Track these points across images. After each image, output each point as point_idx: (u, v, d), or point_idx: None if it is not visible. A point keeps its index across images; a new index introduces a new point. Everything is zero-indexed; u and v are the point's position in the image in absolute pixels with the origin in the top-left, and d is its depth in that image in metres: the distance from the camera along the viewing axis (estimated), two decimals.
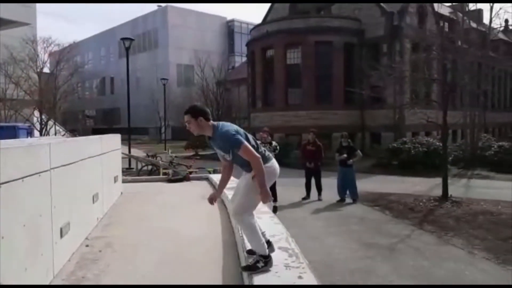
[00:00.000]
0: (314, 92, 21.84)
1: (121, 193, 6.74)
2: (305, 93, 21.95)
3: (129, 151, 16.46)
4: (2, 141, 5.02)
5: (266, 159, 3.18)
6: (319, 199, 10.59)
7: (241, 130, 3.19)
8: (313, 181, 10.78)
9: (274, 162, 3.28)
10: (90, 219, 4.67)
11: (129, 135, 19.25)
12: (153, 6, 59.42)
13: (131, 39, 19.11)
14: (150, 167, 12.95)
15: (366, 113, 22.58)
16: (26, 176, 2.75)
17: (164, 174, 10.49)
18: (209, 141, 3.27)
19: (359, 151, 10.87)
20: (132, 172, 14.70)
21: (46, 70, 21.28)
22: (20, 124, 8.03)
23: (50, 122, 20.78)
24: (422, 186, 12.92)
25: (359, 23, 22.68)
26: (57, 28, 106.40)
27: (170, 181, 8.65)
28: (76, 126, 42.25)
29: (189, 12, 49.27)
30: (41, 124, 19.26)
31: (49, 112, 20.17)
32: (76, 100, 39.84)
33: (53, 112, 20.49)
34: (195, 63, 46.96)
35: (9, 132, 7.63)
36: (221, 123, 3.18)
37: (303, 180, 10.90)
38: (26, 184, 2.75)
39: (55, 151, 3.32)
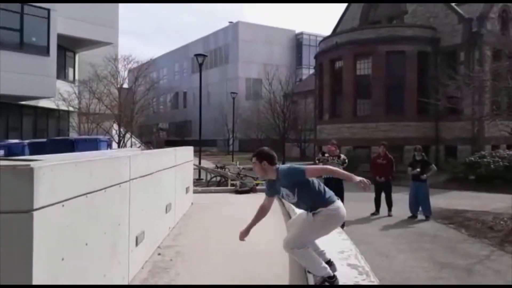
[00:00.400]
0: (384, 103, 21.20)
1: (192, 203, 6.97)
2: (374, 104, 21.38)
3: (199, 162, 17.03)
4: (87, 153, 5.43)
5: (328, 201, 3.12)
6: (389, 215, 10.21)
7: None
8: (383, 196, 10.43)
9: (338, 204, 3.16)
10: (163, 228, 4.87)
11: (200, 147, 20.00)
12: (224, 23, 61.37)
13: (204, 55, 19.91)
14: (218, 178, 13.30)
15: (441, 125, 21.43)
16: (109, 187, 2.95)
17: (232, 185, 10.70)
18: (270, 184, 3.39)
19: (433, 165, 10.35)
20: (201, 182, 15.17)
21: (125, 86, 22.82)
22: (101, 137, 8.69)
23: (127, 135, 22.12)
24: (503, 203, 11.94)
25: (434, 31, 21.72)
26: (134, 45, 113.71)
27: (237, 192, 8.80)
28: (151, 139, 44.67)
29: (259, 27, 50.32)
30: (119, 136, 20.62)
31: (127, 125, 21.51)
32: (151, 114, 42.10)
33: (130, 125, 21.83)
34: (264, 76, 47.94)
35: (92, 144, 8.29)
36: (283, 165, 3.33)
37: (372, 195, 10.57)
38: (108, 194, 2.95)
39: (134, 163, 3.53)
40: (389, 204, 10.35)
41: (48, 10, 16.87)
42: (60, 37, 17.79)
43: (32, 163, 2.09)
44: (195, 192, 7.95)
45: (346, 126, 21.72)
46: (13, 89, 15.28)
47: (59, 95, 18.30)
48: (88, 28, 20.80)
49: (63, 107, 19.31)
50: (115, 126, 21.78)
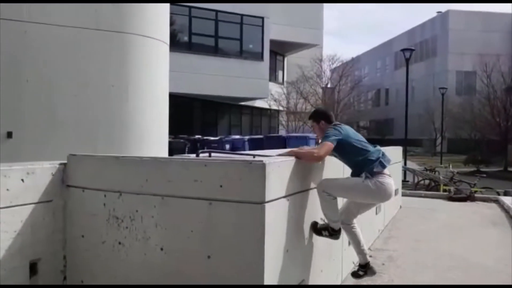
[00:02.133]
0: None
1: (400, 206, 6.62)
2: None
3: (405, 163, 16.16)
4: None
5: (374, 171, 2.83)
6: None
7: (350, 132, 3.01)
8: None
9: (388, 180, 2.89)
10: (373, 230, 4.74)
11: (405, 147, 18.96)
12: (431, 13, 56.87)
13: (411, 49, 18.84)
14: (427, 181, 12.32)
15: None
16: None
17: (444, 191, 9.76)
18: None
19: None
20: (407, 185, 14.35)
21: (330, 85, 23.41)
22: (310, 134, 9.18)
23: None
24: None
25: None
26: (337, 45, 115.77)
27: (450, 199, 7.97)
28: None
29: (473, 14, 44.83)
30: None
31: None
32: (352, 112, 42.28)
33: None
34: (479, 68, 42.43)
35: (302, 141, 8.84)
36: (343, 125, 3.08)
37: None
38: None
39: None
40: None
41: (262, 18, 18.62)
42: (271, 42, 19.44)
43: (264, 159, 2.26)
44: (403, 194, 7.54)
45: None
46: (234, 91, 17.45)
47: (271, 95, 20.04)
48: (296, 32, 22.11)
49: (274, 106, 21.08)
50: None
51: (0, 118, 6.03)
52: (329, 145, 2.81)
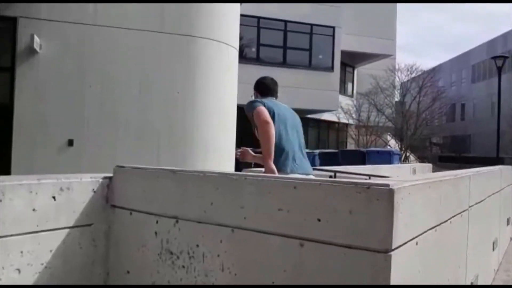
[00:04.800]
0: None
1: (511, 238, 5.46)
2: None
3: None
4: (387, 166, 4.81)
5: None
6: None
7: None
8: None
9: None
10: (488, 271, 3.74)
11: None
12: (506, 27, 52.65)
13: (505, 57, 16.99)
14: None
15: None
16: (453, 216, 2.17)
17: None
18: None
19: None
20: None
21: (407, 97, 21.84)
22: (394, 150, 8.18)
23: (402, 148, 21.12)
24: None
25: None
26: (406, 60, 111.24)
27: None
28: (424, 153, 41.92)
29: None
30: (400, 149, 19.84)
31: (405, 138, 20.52)
32: (424, 126, 39.80)
33: (407, 138, 20.71)
34: None
35: (384, 157, 7.85)
36: None
37: None
38: (453, 227, 2.17)
39: (473, 185, 2.66)
40: None
41: (333, 27, 17.81)
42: (341, 53, 18.52)
43: (390, 183, 1.47)
44: None
45: None
46: (302, 103, 16.72)
47: (341, 108, 19.04)
48: (368, 42, 21.03)
49: (343, 120, 20.02)
50: (389, 138, 21.18)
51: (62, 126, 5.74)
52: (259, 107, 2.69)
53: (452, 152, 46.50)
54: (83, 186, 2.10)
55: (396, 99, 21.21)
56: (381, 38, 21.93)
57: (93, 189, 2.15)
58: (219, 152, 6.77)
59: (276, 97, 3.33)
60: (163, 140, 6.04)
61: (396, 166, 7.29)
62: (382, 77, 20.42)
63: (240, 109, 8.02)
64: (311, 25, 17.34)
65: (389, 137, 21.98)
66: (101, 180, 2.19)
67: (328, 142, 20.36)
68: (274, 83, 3.40)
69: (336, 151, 11.48)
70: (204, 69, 6.81)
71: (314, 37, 17.53)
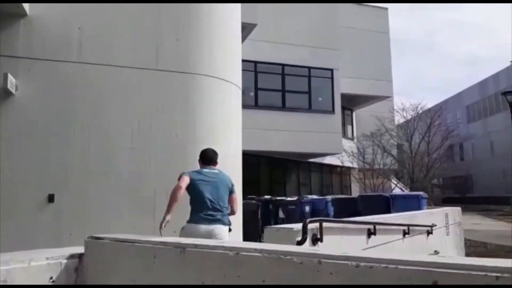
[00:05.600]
0: None
1: None
2: None
3: None
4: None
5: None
6: None
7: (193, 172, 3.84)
8: None
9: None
10: None
11: None
12: (505, 63, 53.51)
13: None
14: None
15: None
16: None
17: None
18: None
19: None
20: None
21: (418, 136, 21.18)
22: (421, 193, 7.40)
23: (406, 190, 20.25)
24: None
25: None
26: (400, 102, 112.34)
27: None
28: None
29: None
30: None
31: (416, 180, 19.68)
32: (448, 166, 39.14)
33: (421, 180, 19.80)
34: None
35: (412, 202, 7.00)
36: None
37: None
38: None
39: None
40: None
41: (331, 70, 17.46)
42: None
43: None
44: None
45: None
46: (303, 147, 16.03)
47: (344, 151, 18.35)
48: (366, 84, 20.78)
49: (347, 163, 19.26)
50: (394, 181, 20.39)
51: (42, 179, 4.87)
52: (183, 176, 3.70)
53: (456, 193, 45.56)
54: (30, 275, 1.24)
55: (399, 141, 20.57)
56: (379, 80, 21.70)
57: (51, 278, 1.29)
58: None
59: (215, 164, 4.07)
60: (161, 193, 5.14)
61: (430, 212, 6.41)
62: (386, 117, 19.91)
63: (244, 154, 7.22)
64: (309, 68, 16.97)
65: (393, 180, 21.16)
66: (64, 261, 1.33)
67: (332, 186, 19.47)
68: (213, 153, 4.13)
69: (353, 197, 10.56)
70: (206, 109, 6.07)
71: (313, 79, 17.11)
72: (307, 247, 3.38)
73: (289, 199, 9.23)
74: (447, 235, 7.21)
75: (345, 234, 4.03)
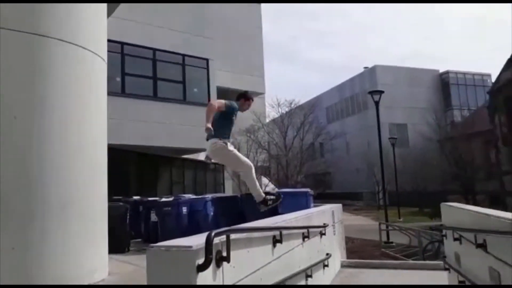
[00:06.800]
0: None
1: None
2: None
3: (386, 219, 14.27)
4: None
5: None
6: None
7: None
8: None
9: None
10: None
11: (384, 198, 17.46)
12: (359, 69, 59.32)
13: (381, 91, 17.59)
14: (437, 244, 10.22)
15: None
16: None
17: None
18: None
19: None
20: (391, 247, 12.35)
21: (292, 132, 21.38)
22: (309, 190, 6.88)
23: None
24: None
25: None
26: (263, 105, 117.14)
27: None
28: None
29: (399, 69, 47.02)
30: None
31: (291, 177, 19.85)
32: (318, 163, 41.01)
33: (296, 176, 20.02)
34: (408, 121, 43.80)
35: (300, 199, 6.34)
36: None
37: None
38: None
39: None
40: None
41: (207, 60, 16.52)
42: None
43: None
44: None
45: None
46: (178, 142, 14.81)
47: None
48: (240, 79, 20.40)
49: None
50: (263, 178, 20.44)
51: None
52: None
53: (317, 189, 48.65)
54: None
55: (274, 137, 20.61)
56: (252, 76, 21.53)
57: None
58: (86, 209, 4.44)
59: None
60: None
61: (322, 210, 5.85)
62: (261, 113, 19.71)
63: (110, 149, 5.77)
64: (183, 55, 15.75)
65: (263, 177, 21.17)
66: None
67: (206, 184, 18.52)
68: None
69: (235, 195, 9.69)
70: (57, 84, 4.54)
71: (188, 69, 15.89)
72: (210, 273, 2.33)
73: (164, 199, 7.97)
74: (334, 234, 6.78)
75: (250, 246, 3.06)
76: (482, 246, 3.37)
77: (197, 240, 2.27)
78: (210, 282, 2.30)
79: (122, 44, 14.24)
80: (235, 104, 5.07)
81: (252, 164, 4.95)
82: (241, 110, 5.31)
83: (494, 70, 50.67)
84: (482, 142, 28.03)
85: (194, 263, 2.15)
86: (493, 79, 29.75)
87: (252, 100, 5.56)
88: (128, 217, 6.69)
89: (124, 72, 14.44)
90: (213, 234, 2.22)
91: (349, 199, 41.04)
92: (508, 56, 23.27)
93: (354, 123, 49.08)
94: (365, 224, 21.45)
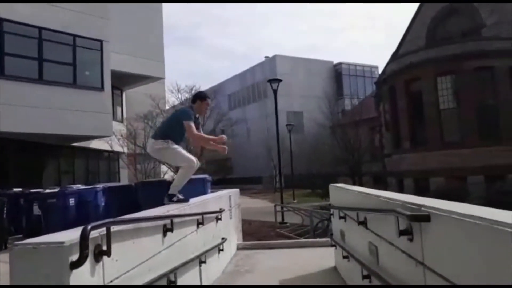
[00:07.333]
0: (476, 126, 18.38)
1: None
2: (465, 127, 18.60)
3: (282, 201, 14.76)
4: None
5: None
6: None
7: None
8: None
9: None
10: None
11: (280, 181, 18.04)
12: (260, 58, 60.65)
13: (279, 80, 17.95)
14: (326, 222, 10.84)
15: None
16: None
17: None
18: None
19: None
20: (285, 227, 12.87)
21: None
22: (207, 176, 6.75)
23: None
24: None
25: None
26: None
27: None
28: None
29: (297, 60, 49.05)
30: None
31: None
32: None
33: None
34: (304, 109, 46.08)
35: (198, 186, 6.23)
36: None
37: None
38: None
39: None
40: None
41: (101, 41, 15.46)
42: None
43: None
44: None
45: (433, 154, 18.85)
46: (67, 129, 13.69)
47: (114, 134, 16.60)
48: (139, 63, 19.51)
49: (117, 147, 17.58)
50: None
51: None
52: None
53: (219, 175, 49.02)
54: None
55: None
56: (151, 60, 20.72)
57: None
58: None
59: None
60: None
61: (219, 196, 5.85)
62: (161, 98, 19.06)
63: None
64: (74, 35, 14.53)
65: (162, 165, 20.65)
66: None
67: (99, 174, 17.49)
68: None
69: (129, 184, 9.15)
70: None
71: (79, 50, 14.70)
72: (88, 269, 2.16)
73: (48, 191, 7.31)
74: (230, 218, 6.85)
75: (137, 236, 2.92)
76: (363, 223, 3.62)
77: (72, 235, 2.08)
78: (87, 278, 2.14)
79: (2, 20, 12.69)
80: (190, 111, 4.60)
81: (195, 161, 4.61)
82: (200, 113, 4.85)
83: (381, 62, 55.16)
84: (369, 128, 30.56)
85: (67, 260, 1.97)
86: (380, 71, 32.59)
87: (209, 99, 5.14)
88: (5, 211, 6.02)
89: (4, 52, 12.90)
90: (89, 227, 2.05)
91: (250, 183, 42.19)
92: (393, 50, 25.58)
93: (255, 110, 50.25)
94: (263, 206, 22.15)
